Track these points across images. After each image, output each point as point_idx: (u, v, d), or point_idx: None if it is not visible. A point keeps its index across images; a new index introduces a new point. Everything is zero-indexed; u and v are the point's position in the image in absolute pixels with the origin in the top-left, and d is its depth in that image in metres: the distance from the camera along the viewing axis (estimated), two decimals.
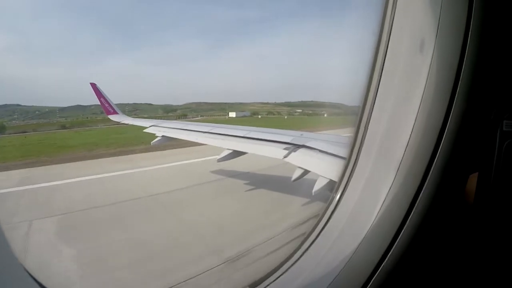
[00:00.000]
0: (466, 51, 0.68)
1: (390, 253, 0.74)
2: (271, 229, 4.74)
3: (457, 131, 0.70)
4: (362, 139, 0.89)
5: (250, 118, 69.39)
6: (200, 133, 7.09)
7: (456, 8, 0.69)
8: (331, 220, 0.92)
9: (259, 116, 77.92)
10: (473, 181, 0.79)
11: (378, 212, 0.78)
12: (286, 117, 74.51)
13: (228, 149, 5.86)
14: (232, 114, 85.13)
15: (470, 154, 0.75)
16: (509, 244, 0.78)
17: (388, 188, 0.77)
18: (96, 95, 11.58)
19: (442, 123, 0.71)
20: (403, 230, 0.73)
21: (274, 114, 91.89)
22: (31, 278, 0.70)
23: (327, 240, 0.89)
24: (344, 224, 0.88)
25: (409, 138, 0.75)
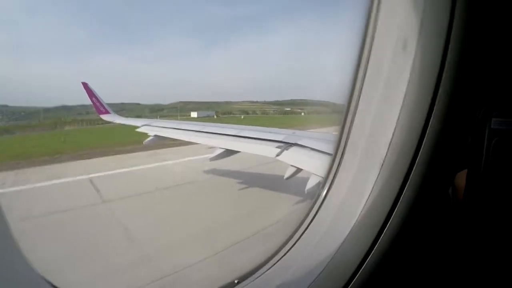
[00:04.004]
0: (449, 50, 0.68)
1: (373, 250, 0.75)
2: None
3: (440, 128, 0.70)
4: (347, 136, 0.89)
5: (211, 118, 64.94)
6: (192, 132, 7.04)
7: (439, 6, 0.69)
8: (316, 218, 0.92)
9: (215, 116, 75.05)
10: (462, 178, 0.80)
11: (362, 210, 0.78)
12: (242, 117, 69.16)
13: (220, 148, 5.83)
14: (194, 114, 79.34)
15: (455, 151, 0.75)
16: (497, 240, 0.79)
17: (372, 185, 0.78)
18: (88, 94, 11.41)
19: (424, 120, 0.71)
20: (386, 227, 0.74)
21: (248, 113, 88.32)
22: (42, 279, 0.69)
23: (312, 237, 0.90)
24: (329, 221, 0.88)
25: (393, 135, 0.76)
